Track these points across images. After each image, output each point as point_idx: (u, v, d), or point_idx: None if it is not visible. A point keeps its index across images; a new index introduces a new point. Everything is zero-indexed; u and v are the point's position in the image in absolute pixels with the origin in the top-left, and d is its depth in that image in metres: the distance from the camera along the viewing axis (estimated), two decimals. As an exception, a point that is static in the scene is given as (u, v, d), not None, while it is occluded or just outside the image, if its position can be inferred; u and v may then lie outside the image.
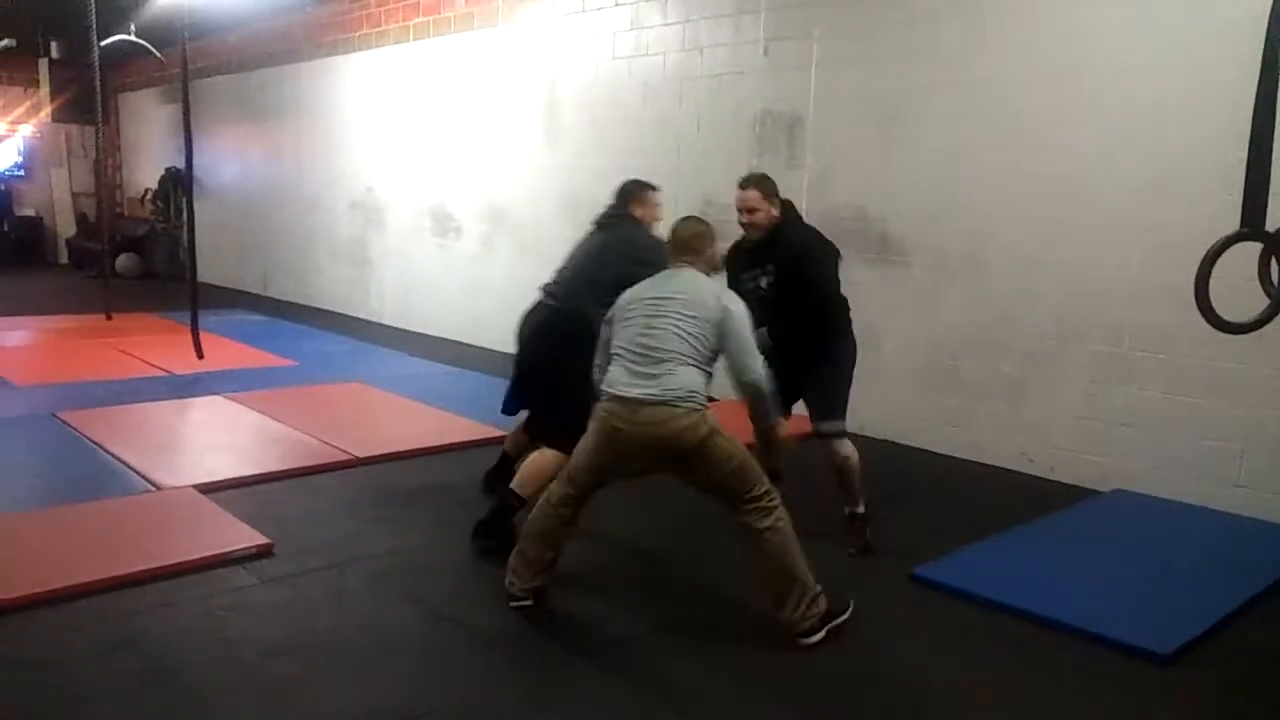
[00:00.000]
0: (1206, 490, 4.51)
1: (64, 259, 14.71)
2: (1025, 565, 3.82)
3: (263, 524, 3.89)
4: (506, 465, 4.34)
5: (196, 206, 7.41)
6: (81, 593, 3.25)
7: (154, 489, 4.37)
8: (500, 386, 6.79)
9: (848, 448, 3.93)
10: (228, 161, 12.36)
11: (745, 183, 3.89)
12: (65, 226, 14.87)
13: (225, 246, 12.28)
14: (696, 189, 6.66)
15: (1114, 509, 4.58)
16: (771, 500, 3.11)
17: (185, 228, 7.64)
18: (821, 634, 3.09)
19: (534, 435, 4.05)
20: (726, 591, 3.55)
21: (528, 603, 3.28)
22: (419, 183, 9.23)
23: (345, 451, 4.97)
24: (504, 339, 8.19)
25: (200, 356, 7.06)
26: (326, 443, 5.11)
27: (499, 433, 5.45)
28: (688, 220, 3.40)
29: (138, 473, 4.56)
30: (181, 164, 7.09)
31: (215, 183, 12.42)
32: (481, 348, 8.41)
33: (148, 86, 14.17)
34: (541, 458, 3.79)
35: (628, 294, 3.28)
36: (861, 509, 3.98)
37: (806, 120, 6.01)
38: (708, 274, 3.33)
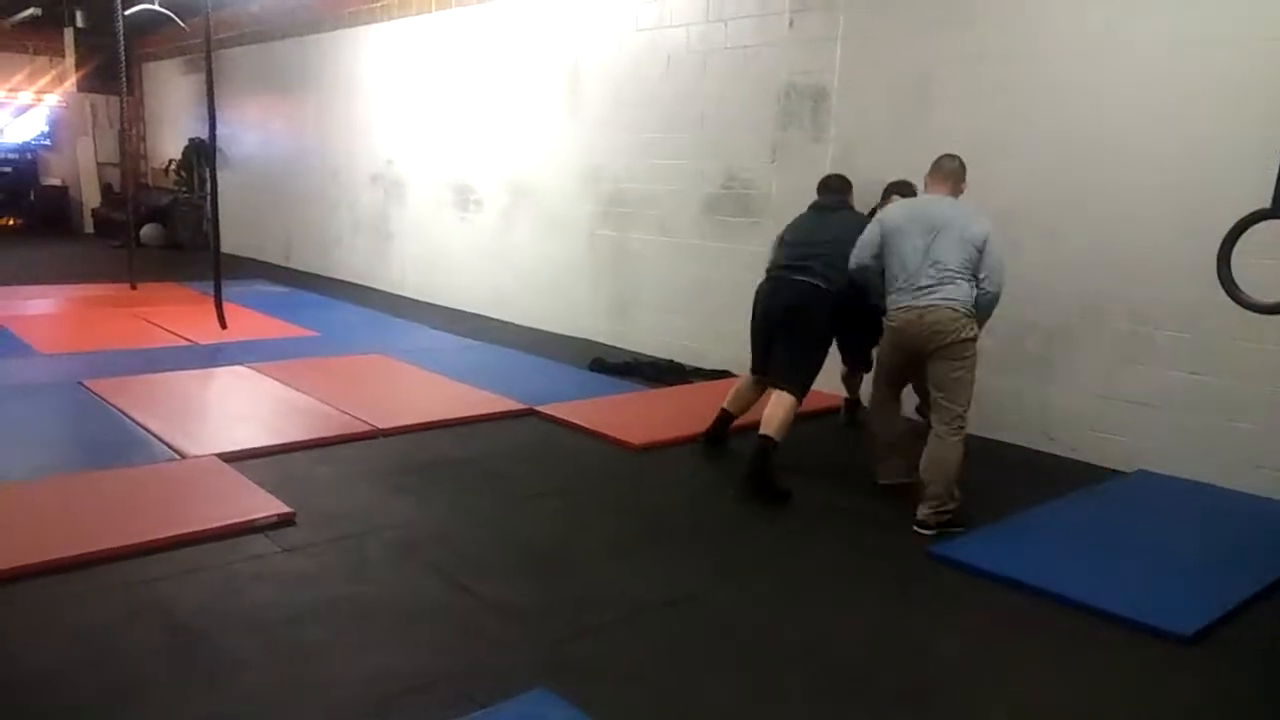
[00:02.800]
0: (1230, 471, 4.47)
1: (89, 228, 14.84)
2: (1045, 544, 3.80)
3: (285, 493, 3.92)
4: (726, 422, 4.81)
5: (220, 177, 7.44)
6: (107, 558, 3.29)
7: (178, 457, 4.41)
8: (520, 359, 6.87)
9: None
10: (250, 132, 12.40)
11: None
12: (91, 196, 14.99)
13: (248, 217, 12.34)
14: (720, 163, 6.63)
15: (1136, 489, 4.54)
16: (961, 422, 3.92)
17: (209, 198, 7.69)
18: (933, 532, 3.84)
19: (774, 381, 4.50)
20: (746, 565, 3.56)
21: (904, 480, 4.20)
22: (440, 155, 9.22)
23: (366, 422, 5.00)
24: (524, 312, 8.32)
25: (224, 326, 7.12)
26: (348, 413, 5.14)
27: (518, 405, 5.49)
28: (948, 156, 4.21)
29: (162, 441, 4.61)
30: (205, 134, 7.11)
31: (238, 153, 12.47)
32: (502, 320, 8.43)
33: (171, 56, 14.21)
34: (781, 402, 4.32)
35: (897, 215, 4.11)
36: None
37: (831, 93, 5.94)
38: None
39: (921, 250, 3.95)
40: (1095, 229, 4.86)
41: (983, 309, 3.98)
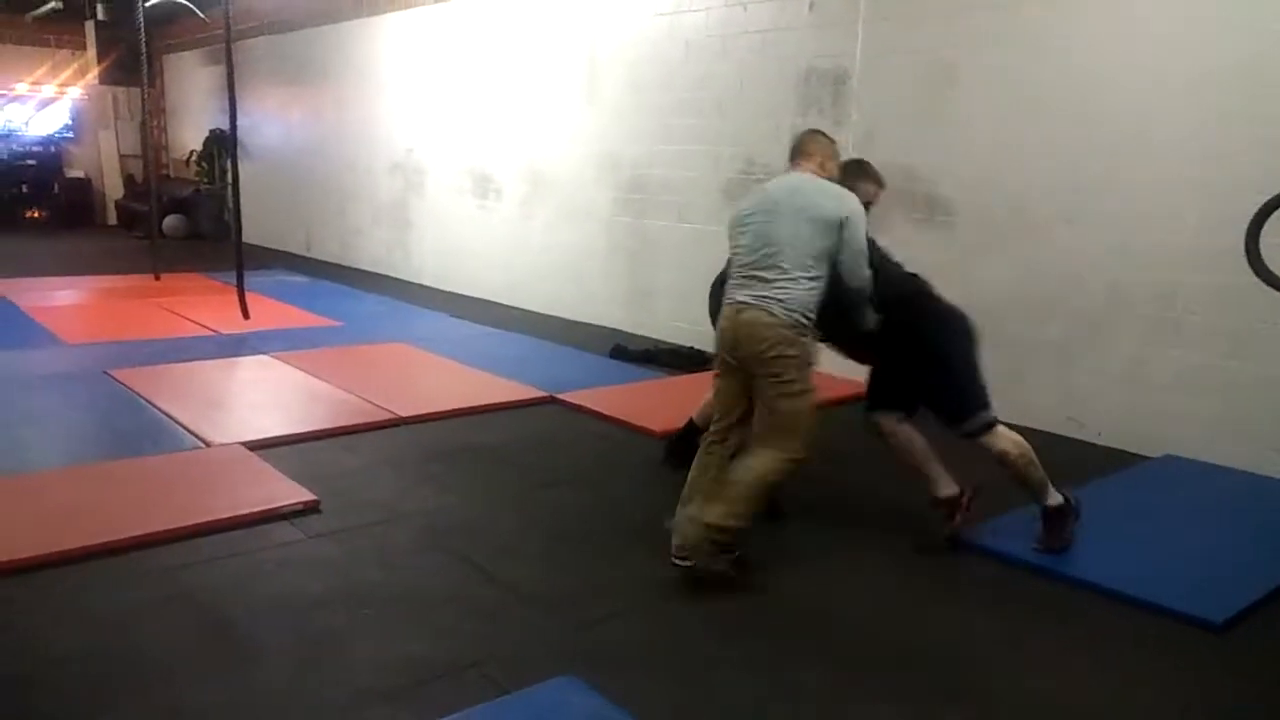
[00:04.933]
0: (1259, 456, 4.41)
1: (112, 220, 14.95)
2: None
3: (309, 481, 3.95)
4: (693, 434, 4.17)
5: (240, 168, 7.47)
6: (134, 546, 3.33)
7: (203, 445, 4.45)
8: (540, 347, 6.88)
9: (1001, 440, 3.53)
10: (270, 123, 12.43)
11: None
12: (113, 188, 15.09)
13: (269, 208, 12.39)
14: (739, 148, 6.58)
15: (1164, 475, 4.49)
16: (792, 454, 3.15)
17: (230, 189, 7.72)
18: (699, 570, 3.14)
19: None
20: (768, 554, 3.53)
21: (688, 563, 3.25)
22: (459, 144, 9.22)
23: (389, 411, 5.02)
24: (544, 300, 8.32)
25: (246, 316, 7.16)
26: (371, 402, 5.16)
27: (539, 394, 5.49)
28: (811, 131, 3.53)
29: (187, 429, 4.64)
30: (225, 125, 7.14)
31: (258, 144, 12.51)
32: (522, 309, 8.43)
33: (191, 48, 14.26)
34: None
35: (744, 204, 3.40)
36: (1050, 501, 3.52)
37: (852, 77, 5.88)
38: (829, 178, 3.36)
39: (754, 237, 3.24)
40: (1121, 212, 4.80)
41: (851, 310, 3.32)
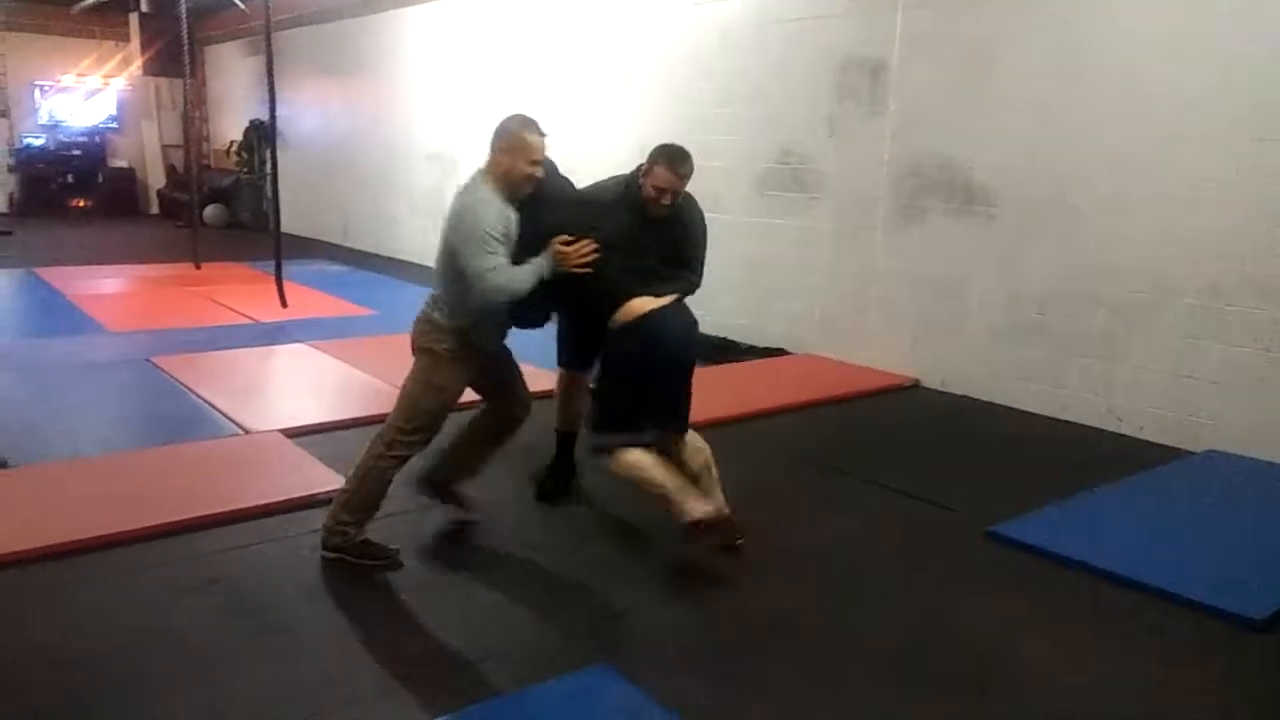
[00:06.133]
0: (1307, 453, 4.32)
1: (155, 209, 15.20)
2: (1110, 525, 3.71)
3: (346, 468, 3.95)
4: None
5: (280, 158, 7.55)
6: (173, 531, 3.38)
7: (242, 432, 4.51)
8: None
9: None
10: (309, 113, 12.55)
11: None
12: (156, 177, 15.33)
13: (307, 197, 12.51)
14: (775, 138, 6.54)
15: (1206, 470, 4.41)
16: (403, 444, 3.27)
17: (269, 179, 7.80)
18: (331, 555, 3.18)
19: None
20: (798, 546, 3.53)
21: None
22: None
23: (423, 399, 5.05)
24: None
25: (284, 305, 7.25)
26: (405, 390, 5.20)
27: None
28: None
29: (227, 416, 4.71)
30: (265, 116, 7.22)
31: (297, 134, 12.64)
32: (556, 298, 8.44)
33: (232, 39, 14.44)
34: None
35: None
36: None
37: (890, 65, 5.82)
38: (509, 188, 3.23)
39: None
40: (1163, 202, 4.71)
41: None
